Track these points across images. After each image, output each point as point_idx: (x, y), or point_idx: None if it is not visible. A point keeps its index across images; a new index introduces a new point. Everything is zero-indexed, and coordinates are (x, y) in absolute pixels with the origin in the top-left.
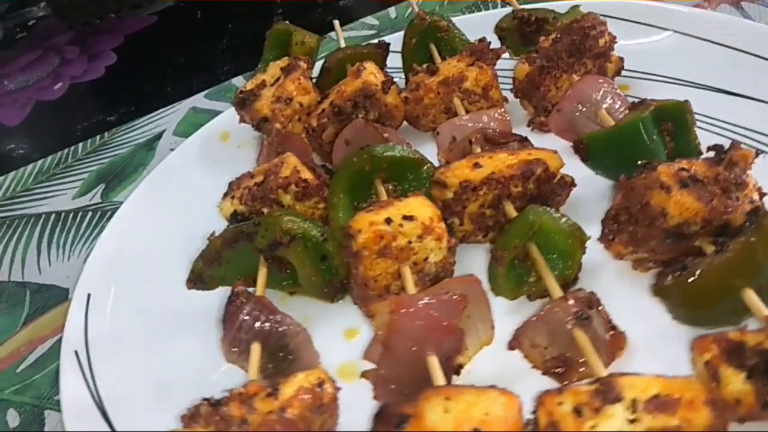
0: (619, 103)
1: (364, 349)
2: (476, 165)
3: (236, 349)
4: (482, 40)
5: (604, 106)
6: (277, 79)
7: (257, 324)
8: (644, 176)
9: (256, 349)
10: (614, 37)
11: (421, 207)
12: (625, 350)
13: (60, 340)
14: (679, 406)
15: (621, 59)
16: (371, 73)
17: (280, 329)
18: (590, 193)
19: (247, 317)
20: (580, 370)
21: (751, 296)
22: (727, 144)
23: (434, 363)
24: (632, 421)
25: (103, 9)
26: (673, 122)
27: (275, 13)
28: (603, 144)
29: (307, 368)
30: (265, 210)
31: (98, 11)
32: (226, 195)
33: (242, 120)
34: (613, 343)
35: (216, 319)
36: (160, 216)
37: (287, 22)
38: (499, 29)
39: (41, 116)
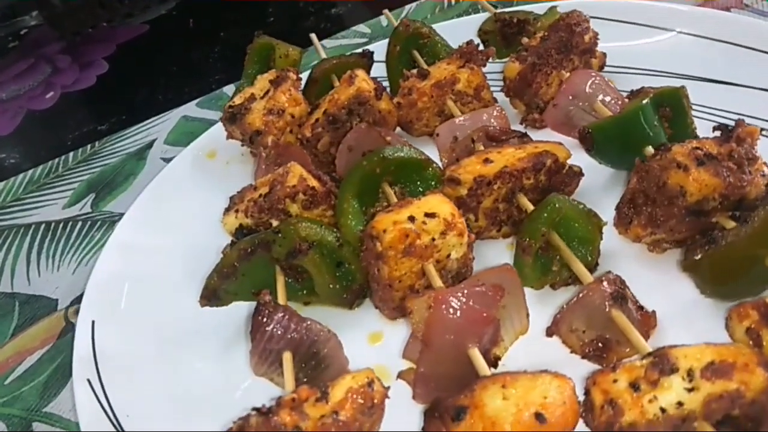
0: (612, 94)
1: (399, 351)
2: (487, 160)
3: (266, 361)
4: (470, 42)
5: (599, 98)
6: (267, 92)
7: (287, 333)
8: (659, 158)
9: (288, 358)
10: (597, 34)
11: (441, 204)
12: (656, 329)
13: (49, 351)
14: (735, 370)
15: (604, 54)
16: (363, 80)
17: (311, 336)
18: (596, 183)
19: (276, 327)
20: (619, 350)
21: None
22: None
23: (477, 354)
24: (690, 390)
25: (95, 18)
26: (671, 108)
27: (268, 22)
28: (607, 132)
29: (339, 375)
30: (273, 221)
31: (90, 20)
32: (228, 210)
33: (230, 136)
34: (645, 322)
35: (231, 335)
36: (158, 237)
37: (266, 35)
38: (482, 32)
39: (32, 126)
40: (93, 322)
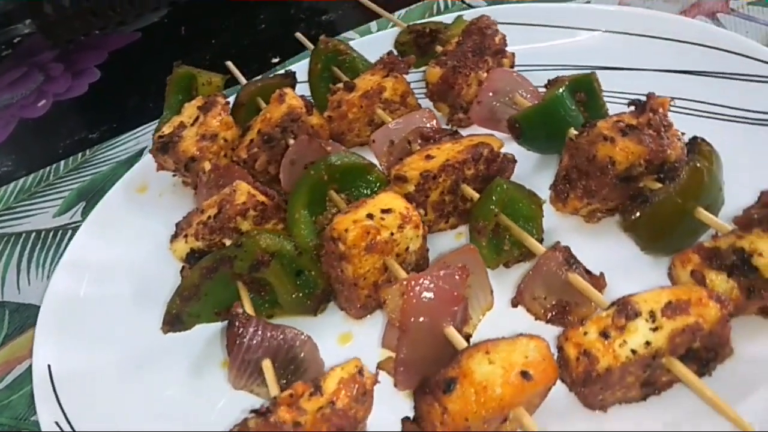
0: (529, 88)
1: (371, 347)
2: (428, 157)
3: (245, 373)
4: (390, 53)
5: (518, 92)
6: (196, 119)
7: (264, 341)
8: (587, 134)
9: (268, 365)
10: (504, 36)
11: (394, 200)
12: (606, 289)
13: None
14: (691, 306)
15: (513, 55)
16: (293, 98)
17: (288, 342)
18: (526, 169)
19: (252, 336)
20: (578, 311)
21: (703, 213)
22: None
23: (453, 332)
24: (655, 329)
25: (87, 26)
26: (585, 92)
27: (259, 29)
28: (532, 120)
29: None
30: (226, 241)
31: (83, 28)
32: (176, 236)
33: (161, 167)
34: (595, 284)
35: (195, 357)
36: (101, 281)
37: (184, 64)
38: (398, 44)
39: (25, 134)
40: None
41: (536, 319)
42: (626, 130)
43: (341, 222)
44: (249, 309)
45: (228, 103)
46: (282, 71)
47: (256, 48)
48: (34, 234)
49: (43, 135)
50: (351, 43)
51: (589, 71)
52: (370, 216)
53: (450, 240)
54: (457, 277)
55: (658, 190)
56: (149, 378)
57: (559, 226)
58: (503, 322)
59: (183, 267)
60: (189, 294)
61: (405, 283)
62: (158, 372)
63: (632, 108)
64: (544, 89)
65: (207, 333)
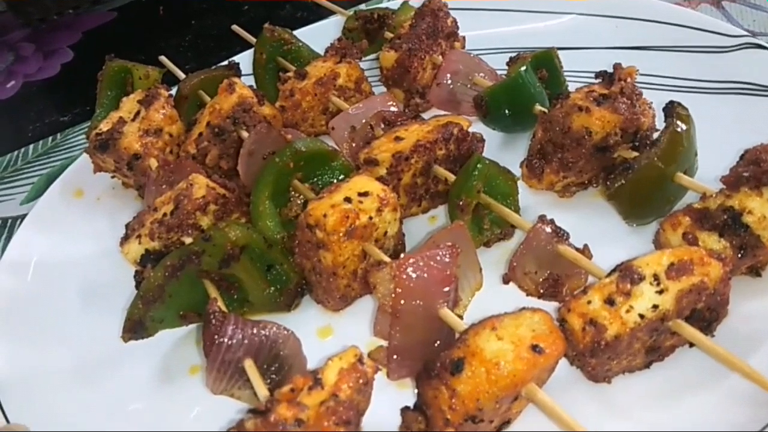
0: (486, 69)
1: (354, 338)
2: (398, 138)
3: (225, 375)
4: (340, 39)
5: (477, 73)
6: (137, 113)
7: (245, 339)
8: (560, 106)
9: (250, 365)
10: (455, 19)
11: (369, 183)
12: (593, 261)
13: None
14: (694, 265)
15: (464, 38)
16: (243, 87)
17: (270, 338)
18: (492, 148)
19: (232, 335)
20: (570, 284)
21: (684, 178)
22: None
23: (448, 313)
24: (661, 292)
25: (61, 5)
26: (546, 69)
27: (242, 10)
28: (498, 97)
29: (300, 374)
30: (186, 239)
31: (56, 7)
32: (127, 238)
33: (99, 168)
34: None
35: (159, 365)
36: (47, 280)
37: (116, 57)
38: (347, 30)
39: None
40: None
41: (528, 294)
42: (600, 100)
43: (317, 208)
44: (222, 307)
45: (171, 95)
46: (225, 63)
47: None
48: (0, 222)
49: (12, 117)
50: (296, 32)
51: (549, 47)
52: (347, 200)
53: (423, 224)
54: (448, 256)
55: (639, 157)
56: (109, 388)
57: (533, 202)
58: (493, 301)
59: (136, 271)
60: (153, 296)
61: (395, 265)
62: (119, 381)
63: (600, 79)
64: (501, 72)
65: (168, 338)
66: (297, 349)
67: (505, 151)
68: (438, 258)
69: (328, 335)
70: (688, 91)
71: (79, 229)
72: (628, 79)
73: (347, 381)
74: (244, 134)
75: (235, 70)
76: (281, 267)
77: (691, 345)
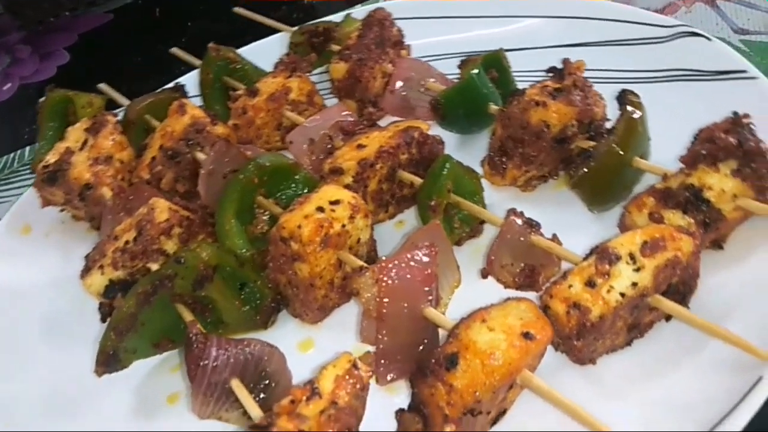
0: (436, 74)
1: (336, 349)
2: (360, 146)
3: (212, 398)
4: (288, 54)
5: (428, 78)
6: (85, 142)
7: (230, 358)
8: (517, 102)
9: (238, 384)
10: (400, 28)
11: (338, 191)
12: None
13: None
14: (666, 241)
15: (409, 46)
16: (194, 108)
17: (255, 355)
18: (451, 149)
19: (216, 355)
20: (545, 272)
21: (641, 162)
22: None
23: (433, 312)
24: (638, 270)
25: (57, 7)
26: (496, 69)
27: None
28: (454, 99)
29: (286, 390)
30: (152, 265)
31: (52, 9)
32: (88, 270)
33: (47, 203)
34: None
35: (131, 396)
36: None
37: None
38: (293, 45)
39: None
40: None
41: (506, 287)
42: (555, 93)
43: (290, 220)
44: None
45: (119, 122)
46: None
47: (234, 32)
48: None
49: (8, 120)
50: (240, 50)
51: (497, 49)
52: (320, 209)
53: (391, 230)
54: (427, 255)
55: (598, 145)
56: (85, 425)
57: (497, 199)
58: (472, 298)
59: (101, 303)
60: (126, 326)
61: (377, 268)
62: (95, 418)
63: (551, 75)
64: (451, 76)
65: (141, 369)
66: (282, 365)
67: (463, 151)
68: (418, 258)
69: (310, 348)
70: (632, 81)
71: (31, 265)
72: (578, 73)
73: (344, 387)
74: (200, 155)
75: (181, 91)
76: (254, 284)
77: (668, 319)
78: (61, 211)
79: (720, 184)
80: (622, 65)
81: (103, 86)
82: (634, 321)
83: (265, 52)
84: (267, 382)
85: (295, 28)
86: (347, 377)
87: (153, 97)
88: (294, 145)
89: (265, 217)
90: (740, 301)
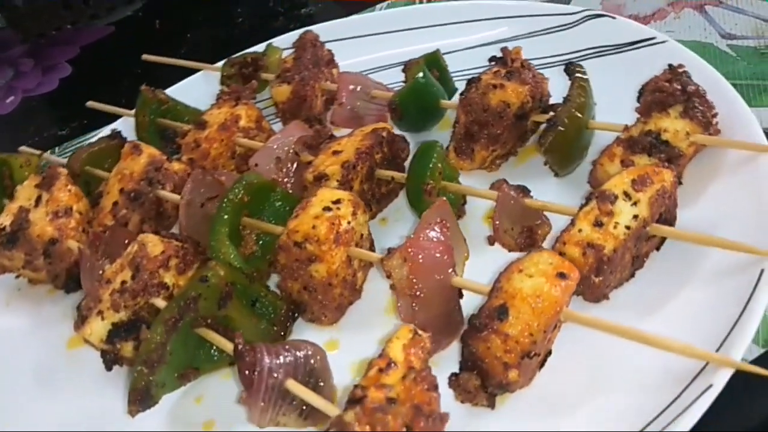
0: (376, 83)
1: (363, 345)
2: (336, 152)
3: (270, 402)
4: (228, 85)
5: (371, 89)
6: (38, 198)
7: (281, 360)
8: (475, 89)
9: (294, 384)
10: (330, 49)
11: (335, 192)
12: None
13: None
14: (650, 176)
15: (337, 65)
16: (148, 147)
17: (302, 353)
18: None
19: (268, 359)
20: (542, 230)
21: (594, 123)
22: None
23: (461, 280)
24: (635, 204)
25: (59, 20)
26: (437, 69)
27: (236, 23)
28: (409, 99)
29: (332, 389)
30: (155, 300)
31: (54, 22)
32: (84, 319)
33: (2, 269)
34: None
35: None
36: None
37: None
38: (225, 78)
39: None
40: None
41: (510, 250)
42: (508, 75)
43: (302, 223)
44: (228, 348)
45: (68, 174)
46: (107, 132)
47: (233, 42)
48: None
49: (11, 132)
50: (170, 90)
51: (434, 50)
52: (327, 209)
53: (376, 228)
54: (441, 231)
55: (559, 112)
56: None
57: (467, 183)
58: (482, 266)
59: (103, 351)
60: (156, 357)
61: (404, 248)
62: None
63: (493, 63)
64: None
65: (165, 404)
66: (326, 361)
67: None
68: (435, 234)
69: (336, 347)
70: (555, 65)
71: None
72: (518, 56)
73: (414, 353)
74: (164, 193)
75: (119, 138)
76: (265, 298)
77: (658, 248)
78: (17, 277)
79: (673, 125)
80: (542, 53)
81: (23, 148)
82: (637, 252)
83: (192, 91)
84: (316, 379)
85: (221, 62)
86: (413, 343)
87: (90, 149)
88: (260, 167)
89: (253, 237)
90: (714, 226)
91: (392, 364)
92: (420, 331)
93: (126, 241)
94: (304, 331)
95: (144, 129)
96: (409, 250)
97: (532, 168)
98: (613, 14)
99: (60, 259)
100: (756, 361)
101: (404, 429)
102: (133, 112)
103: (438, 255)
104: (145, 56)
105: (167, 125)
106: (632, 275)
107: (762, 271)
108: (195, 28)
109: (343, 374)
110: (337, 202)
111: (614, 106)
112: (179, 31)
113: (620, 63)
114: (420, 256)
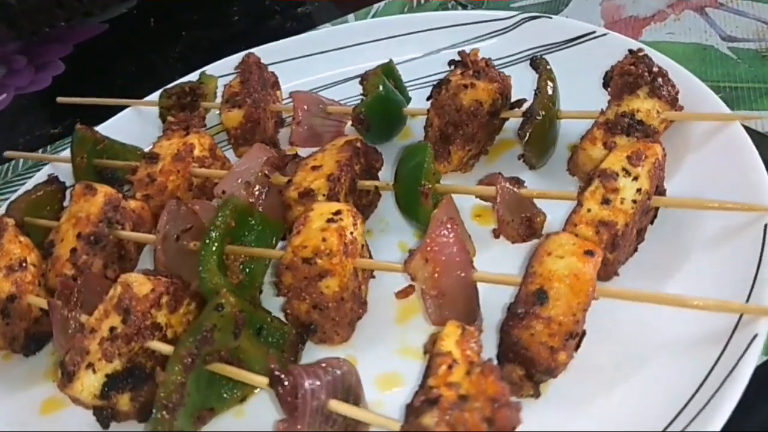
0: (328, 100)
1: (380, 357)
2: (315, 167)
3: (317, 425)
4: (175, 116)
5: (328, 105)
6: None
7: (320, 381)
8: (445, 90)
9: (338, 404)
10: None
11: (331, 204)
12: None
13: None
14: (643, 151)
15: (280, 86)
16: (101, 186)
17: (338, 372)
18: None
19: (307, 382)
20: (540, 219)
21: (564, 113)
22: None
23: (483, 275)
24: (635, 179)
25: (52, 17)
26: (392, 79)
27: (231, 21)
28: (375, 109)
29: (366, 405)
30: (151, 344)
31: (48, 20)
32: (72, 375)
33: None
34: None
35: None
36: None
37: None
38: (164, 109)
39: None
40: None
41: (513, 242)
42: (477, 75)
43: (309, 238)
44: (249, 379)
45: (17, 225)
46: (45, 179)
47: (229, 41)
48: None
49: (3, 130)
50: (103, 126)
51: (387, 61)
52: (331, 220)
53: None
54: (452, 226)
55: (533, 105)
56: None
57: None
58: (489, 260)
59: (96, 408)
60: (176, 399)
61: (423, 248)
62: None
63: (452, 68)
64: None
65: None
66: (358, 377)
67: (388, 157)
68: (448, 232)
69: (354, 364)
70: (504, 66)
71: None
72: (476, 58)
73: (469, 347)
74: (126, 233)
75: (56, 183)
76: (271, 324)
77: (652, 222)
78: None
79: (644, 105)
80: (488, 56)
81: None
82: (641, 225)
83: (122, 128)
84: (354, 396)
85: (149, 96)
86: (465, 338)
87: (26, 198)
88: (227, 193)
89: (239, 265)
90: (701, 193)
91: (455, 363)
92: (467, 327)
93: (98, 288)
94: (315, 355)
95: (82, 171)
96: (429, 249)
97: (505, 163)
98: (551, 15)
99: (19, 317)
100: None
101: (484, 424)
102: (56, 157)
103: (456, 251)
104: (59, 99)
105: (107, 165)
106: (635, 250)
107: (766, 225)
108: (190, 26)
109: (368, 390)
110: (338, 213)
111: (570, 99)
112: (174, 28)
113: (563, 59)
114: (441, 255)
